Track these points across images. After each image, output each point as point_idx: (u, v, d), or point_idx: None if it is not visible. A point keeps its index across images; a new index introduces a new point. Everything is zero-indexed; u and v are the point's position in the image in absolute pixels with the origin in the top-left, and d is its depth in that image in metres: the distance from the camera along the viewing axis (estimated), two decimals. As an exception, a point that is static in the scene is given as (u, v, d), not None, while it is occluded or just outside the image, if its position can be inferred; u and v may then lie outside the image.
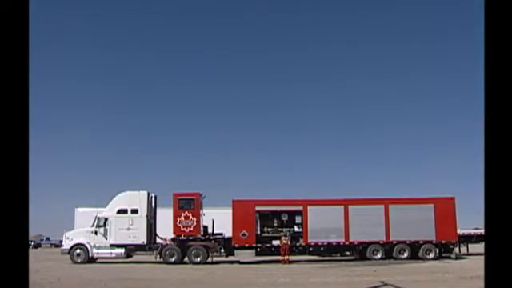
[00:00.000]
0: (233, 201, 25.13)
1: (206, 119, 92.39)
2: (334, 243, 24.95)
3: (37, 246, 64.21)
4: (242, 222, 24.62)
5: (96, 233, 24.66)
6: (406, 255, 24.57)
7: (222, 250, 25.31)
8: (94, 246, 24.55)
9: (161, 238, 25.27)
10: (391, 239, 24.82)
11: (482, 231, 22.98)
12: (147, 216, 24.85)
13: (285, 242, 24.08)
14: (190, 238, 24.36)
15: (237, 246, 24.46)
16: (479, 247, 23.22)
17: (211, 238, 24.85)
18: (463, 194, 62.93)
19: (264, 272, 18.04)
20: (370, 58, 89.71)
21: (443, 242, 25.01)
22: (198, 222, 24.52)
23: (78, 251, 24.57)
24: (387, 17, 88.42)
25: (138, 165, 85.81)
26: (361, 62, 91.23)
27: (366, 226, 24.93)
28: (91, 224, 25.01)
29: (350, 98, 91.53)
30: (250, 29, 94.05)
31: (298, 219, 25.23)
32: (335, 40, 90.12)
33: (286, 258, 23.65)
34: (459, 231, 26.11)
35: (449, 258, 24.76)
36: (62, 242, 26.47)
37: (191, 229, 24.37)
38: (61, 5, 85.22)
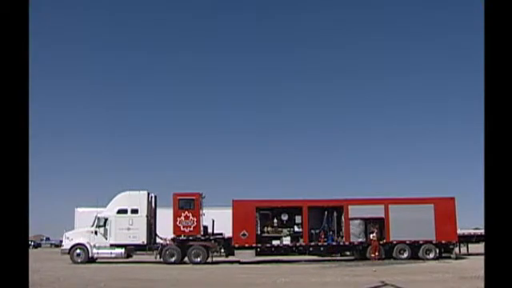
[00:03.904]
0: (233, 201, 25.10)
1: (206, 119, 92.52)
2: (334, 243, 24.97)
3: (37, 246, 64.17)
4: (242, 221, 24.60)
5: (96, 233, 24.66)
6: (406, 255, 24.54)
7: (222, 250, 25.32)
8: (94, 246, 24.55)
9: (161, 238, 25.27)
10: (391, 239, 24.81)
11: (482, 231, 22.97)
12: (147, 216, 24.85)
13: (373, 239, 24.33)
14: (190, 238, 24.35)
15: (237, 245, 24.44)
16: (479, 247, 23.20)
17: (211, 238, 24.84)
18: (463, 194, 63.07)
19: (264, 272, 18.03)
20: (369, 57, 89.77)
21: (443, 242, 24.99)
22: (198, 222, 24.52)
23: (78, 251, 24.56)
24: (386, 16, 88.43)
25: (138, 165, 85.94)
26: (360, 62, 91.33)
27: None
28: (91, 224, 25.02)
29: (350, 98, 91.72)
30: (248, 28, 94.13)
31: (298, 219, 25.22)
32: (333, 40, 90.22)
33: (376, 254, 24.11)
34: (459, 231, 26.09)
35: (449, 258, 24.74)
36: (62, 242, 26.49)
37: (191, 229, 24.37)
38: (61, 5, 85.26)
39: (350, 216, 24.87)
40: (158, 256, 24.27)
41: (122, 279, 15.42)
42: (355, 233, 24.76)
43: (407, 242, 24.79)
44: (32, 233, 59.31)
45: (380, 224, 24.97)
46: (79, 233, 25.54)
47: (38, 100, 67.40)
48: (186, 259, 24.18)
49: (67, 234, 25.68)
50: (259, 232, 24.95)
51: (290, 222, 25.28)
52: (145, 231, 24.60)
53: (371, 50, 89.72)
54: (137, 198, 25.00)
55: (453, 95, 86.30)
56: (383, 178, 79.06)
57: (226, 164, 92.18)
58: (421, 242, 24.80)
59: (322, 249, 24.86)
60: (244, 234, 24.50)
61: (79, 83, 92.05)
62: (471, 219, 47.48)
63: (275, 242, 24.83)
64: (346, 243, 24.96)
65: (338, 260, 25.07)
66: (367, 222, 25.02)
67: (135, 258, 25.22)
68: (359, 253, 25.31)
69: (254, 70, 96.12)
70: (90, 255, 24.48)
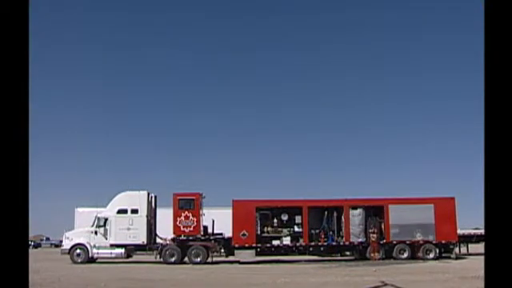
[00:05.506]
0: (233, 201, 25.09)
1: (206, 119, 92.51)
2: (334, 243, 24.97)
3: (37, 246, 64.18)
4: (242, 221, 24.59)
5: (96, 233, 24.65)
6: (406, 255, 24.54)
7: (222, 250, 25.31)
8: (94, 246, 24.54)
9: (161, 238, 25.26)
10: (391, 239, 24.81)
11: (482, 231, 22.96)
12: (147, 216, 24.83)
13: (373, 239, 24.30)
14: (190, 238, 24.34)
15: (237, 245, 24.43)
16: (479, 247, 23.20)
17: (211, 238, 24.84)
18: (463, 194, 63.09)
19: (264, 272, 18.03)
20: (369, 57, 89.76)
21: (443, 242, 24.98)
22: (198, 222, 24.51)
23: (78, 251, 24.55)
24: (386, 16, 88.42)
25: (138, 165, 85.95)
26: (360, 62, 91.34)
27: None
28: (91, 224, 25.02)
29: (350, 98, 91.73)
30: (248, 28, 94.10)
31: (298, 219, 25.21)
32: (333, 40, 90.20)
33: (376, 254, 24.05)
34: (459, 231, 26.08)
35: (449, 258, 24.74)
36: (62, 242, 26.47)
37: (191, 229, 24.36)
38: (61, 5, 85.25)
39: (350, 216, 24.85)
40: (158, 256, 24.27)
41: (122, 279, 15.42)
42: (355, 233, 24.76)
43: (407, 242, 24.78)
44: (32, 233, 59.34)
45: (380, 212, 24.90)
46: (79, 233, 25.53)
47: (38, 100, 67.47)
48: (186, 259, 24.18)
49: (67, 234, 25.67)
50: (259, 232, 24.93)
51: (290, 222, 25.27)
52: (145, 231, 24.59)
53: (371, 50, 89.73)
54: (137, 198, 24.98)
55: (453, 95, 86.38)
56: (383, 177, 79.09)
57: (226, 164, 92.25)
58: (421, 242, 24.79)
59: (322, 249, 24.85)
60: (244, 234, 24.49)
61: (79, 83, 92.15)
62: (471, 219, 47.50)
63: (275, 242, 24.82)
64: (346, 243, 24.94)
65: (338, 260, 25.05)
66: (368, 211, 24.96)
67: (135, 257, 25.22)
68: (359, 253, 25.29)
69: (254, 69, 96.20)
70: (90, 255, 24.48)
